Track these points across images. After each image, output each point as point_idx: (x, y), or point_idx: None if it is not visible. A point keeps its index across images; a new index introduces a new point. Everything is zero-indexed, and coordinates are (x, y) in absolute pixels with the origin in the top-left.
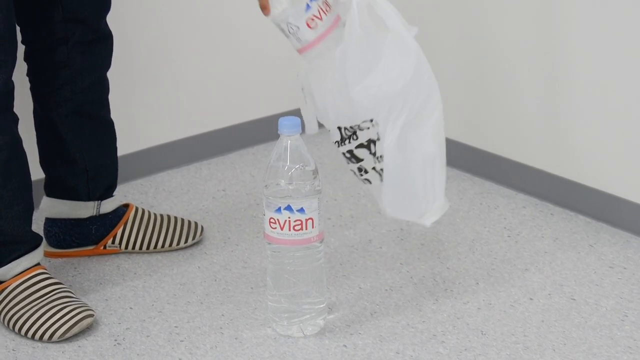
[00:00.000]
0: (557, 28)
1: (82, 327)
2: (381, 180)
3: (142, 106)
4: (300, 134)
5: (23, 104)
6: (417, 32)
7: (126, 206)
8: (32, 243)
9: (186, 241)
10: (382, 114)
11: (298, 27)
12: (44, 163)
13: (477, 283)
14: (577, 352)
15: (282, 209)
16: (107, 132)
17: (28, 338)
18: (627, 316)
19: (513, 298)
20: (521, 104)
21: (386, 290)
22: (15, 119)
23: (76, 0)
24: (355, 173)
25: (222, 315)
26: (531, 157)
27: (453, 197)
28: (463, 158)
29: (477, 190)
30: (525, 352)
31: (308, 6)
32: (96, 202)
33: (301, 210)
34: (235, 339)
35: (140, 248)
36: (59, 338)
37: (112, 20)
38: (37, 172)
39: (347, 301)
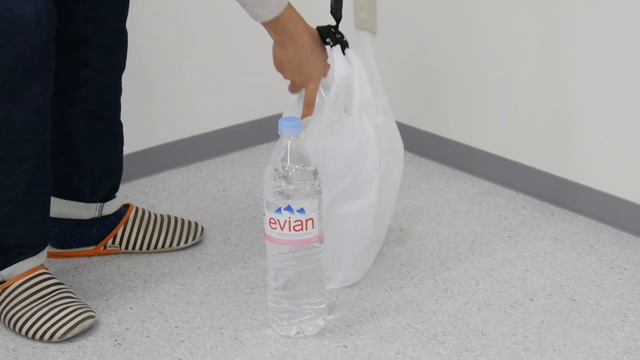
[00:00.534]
0: (560, 29)
1: (83, 328)
2: None
3: (142, 106)
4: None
5: None
6: (381, 122)
7: (126, 206)
8: (41, 246)
9: (186, 241)
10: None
11: None
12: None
13: (477, 283)
14: (578, 352)
15: (282, 209)
16: (116, 134)
17: (28, 338)
18: (627, 317)
19: (513, 298)
20: (521, 104)
21: (386, 290)
22: (49, 127)
23: None
24: None
25: (222, 315)
26: (531, 158)
27: (453, 197)
28: (463, 158)
29: (477, 191)
30: (525, 352)
31: None
32: (99, 204)
33: (301, 210)
34: (236, 339)
35: (141, 248)
36: (59, 338)
37: None
38: None
39: (347, 301)
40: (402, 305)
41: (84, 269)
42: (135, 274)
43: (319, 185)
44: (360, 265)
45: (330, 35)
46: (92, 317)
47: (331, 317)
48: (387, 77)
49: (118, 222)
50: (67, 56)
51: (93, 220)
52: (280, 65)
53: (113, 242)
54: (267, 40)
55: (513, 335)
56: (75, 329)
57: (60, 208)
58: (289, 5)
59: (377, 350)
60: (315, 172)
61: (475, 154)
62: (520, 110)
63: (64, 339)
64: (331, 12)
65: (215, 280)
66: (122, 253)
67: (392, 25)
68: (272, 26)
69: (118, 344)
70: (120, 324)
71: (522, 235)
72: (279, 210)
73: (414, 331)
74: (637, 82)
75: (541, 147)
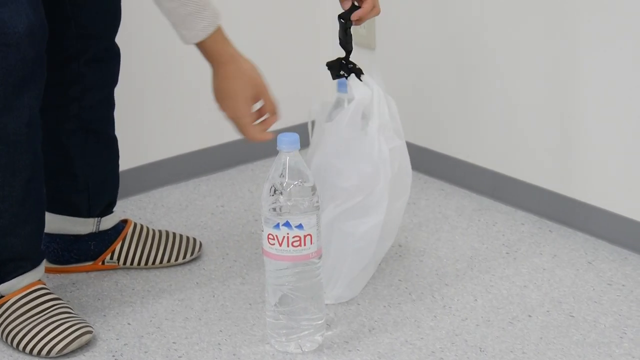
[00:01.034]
0: (562, 46)
1: (81, 344)
2: None
3: (140, 122)
4: (299, 150)
5: None
6: (396, 146)
7: (125, 222)
8: (38, 260)
9: (184, 257)
10: (328, 195)
11: None
12: (45, 178)
13: (476, 300)
14: None
15: (280, 225)
16: (111, 149)
17: (26, 353)
18: (625, 333)
19: (511, 315)
20: (519, 121)
21: (384, 306)
22: (40, 138)
23: (88, 15)
24: None
25: (220, 331)
26: (530, 174)
27: (452, 213)
28: (461, 174)
29: (475, 207)
30: None
31: None
32: (96, 218)
33: (300, 226)
34: (234, 355)
35: (139, 264)
36: (57, 354)
37: None
38: None
39: (345, 317)
40: (401, 321)
41: (82, 285)
42: (133, 289)
43: (317, 202)
44: (356, 284)
45: (342, 68)
46: (89, 332)
47: (329, 333)
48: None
49: (116, 238)
50: (58, 72)
51: (91, 236)
52: (214, 95)
53: (111, 258)
54: (266, 57)
55: (511, 351)
56: (73, 344)
57: (58, 224)
58: (219, 30)
59: None
60: (313, 189)
61: (473, 170)
62: (518, 127)
63: (61, 355)
64: (340, 44)
65: (214, 296)
66: (120, 268)
67: (391, 42)
68: (201, 51)
69: (116, 359)
70: (118, 339)
71: (521, 251)
72: (277, 226)
73: (412, 347)
74: (634, 98)
75: (540, 164)
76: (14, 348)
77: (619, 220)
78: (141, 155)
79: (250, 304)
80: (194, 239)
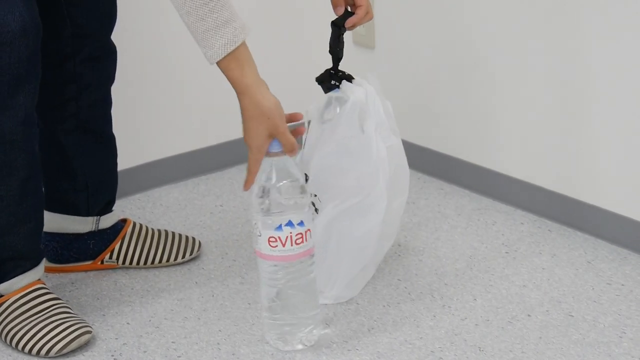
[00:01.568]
0: (562, 46)
1: (80, 344)
2: None
3: (139, 121)
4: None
5: None
6: (392, 144)
7: (124, 221)
8: (37, 259)
9: (183, 256)
10: (327, 195)
11: None
12: (44, 177)
13: (475, 299)
14: None
15: (283, 225)
16: (109, 147)
17: (25, 353)
18: (625, 333)
19: (511, 314)
20: (519, 120)
21: (384, 306)
22: (37, 136)
23: (83, 14)
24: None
25: (220, 330)
26: (529, 174)
27: (451, 213)
28: (461, 174)
29: (475, 207)
30: None
31: None
32: (95, 217)
33: (301, 223)
34: (233, 354)
35: (138, 263)
36: (56, 354)
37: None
38: None
39: (344, 317)
40: (400, 320)
41: (81, 284)
42: (132, 289)
43: (308, 197)
44: (355, 284)
45: (333, 78)
46: (89, 332)
47: (328, 332)
48: (384, 92)
49: (115, 237)
50: (54, 72)
51: (90, 234)
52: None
53: (110, 257)
54: (263, 57)
55: (511, 351)
56: (72, 344)
57: (57, 223)
58: (235, 53)
59: None
60: (303, 187)
61: (473, 169)
62: (517, 127)
63: (60, 354)
64: (330, 52)
65: (213, 296)
66: (120, 268)
67: (390, 41)
68: (222, 71)
69: (115, 359)
70: (117, 339)
71: (520, 251)
72: (279, 227)
73: (412, 347)
74: (634, 99)
75: (539, 164)
76: (13, 348)
77: (619, 220)
78: (140, 154)
79: (249, 304)
80: (193, 239)
